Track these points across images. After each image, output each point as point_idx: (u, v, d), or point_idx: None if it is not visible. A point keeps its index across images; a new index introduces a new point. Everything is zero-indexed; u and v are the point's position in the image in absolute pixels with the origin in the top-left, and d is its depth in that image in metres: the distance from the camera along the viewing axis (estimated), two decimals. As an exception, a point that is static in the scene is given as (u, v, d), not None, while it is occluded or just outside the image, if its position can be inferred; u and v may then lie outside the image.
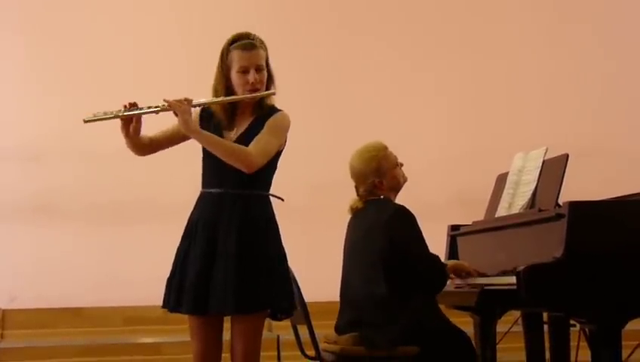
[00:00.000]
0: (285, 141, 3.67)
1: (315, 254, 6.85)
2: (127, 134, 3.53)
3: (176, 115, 3.46)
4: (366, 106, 8.14)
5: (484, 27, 8.47)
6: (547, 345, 4.73)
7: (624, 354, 3.71)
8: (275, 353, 7.08)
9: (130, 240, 7.49)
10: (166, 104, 3.46)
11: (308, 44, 8.15)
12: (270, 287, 3.49)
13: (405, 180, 4.47)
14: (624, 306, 3.67)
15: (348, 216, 4.56)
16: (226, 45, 3.63)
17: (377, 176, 4.38)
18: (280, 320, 3.68)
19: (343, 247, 4.53)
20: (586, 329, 3.93)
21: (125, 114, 3.46)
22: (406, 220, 4.25)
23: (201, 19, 7.93)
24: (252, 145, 3.49)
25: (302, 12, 8.26)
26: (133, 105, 3.48)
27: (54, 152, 7.69)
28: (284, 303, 3.57)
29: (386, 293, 4.15)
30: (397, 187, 4.46)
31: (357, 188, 4.47)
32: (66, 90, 7.67)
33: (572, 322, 4.38)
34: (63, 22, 7.82)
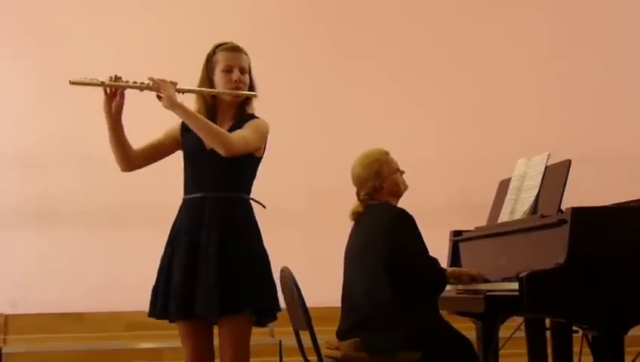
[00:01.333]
0: (264, 148, 3.69)
1: (317, 259, 6.84)
2: (109, 110, 3.53)
3: (159, 97, 3.49)
4: (367, 112, 8.13)
5: (488, 31, 8.47)
6: (550, 351, 4.71)
7: (627, 360, 3.70)
8: (277, 358, 7.10)
9: (131, 246, 7.49)
10: (151, 82, 3.49)
11: (307, 50, 8.15)
12: (252, 288, 3.50)
13: (406, 187, 4.48)
14: (627, 312, 3.66)
15: (349, 222, 4.56)
16: (212, 50, 3.71)
17: (378, 180, 4.40)
18: (264, 325, 3.70)
19: (344, 253, 4.53)
20: (589, 336, 3.92)
21: (111, 83, 3.48)
22: (407, 223, 4.25)
23: (200, 26, 7.92)
24: (232, 133, 3.53)
25: (301, 17, 8.26)
26: (119, 79, 3.50)
27: (55, 158, 7.69)
28: (267, 304, 3.59)
29: (388, 298, 4.15)
30: (397, 193, 4.46)
31: (358, 193, 4.48)
32: (66, 96, 7.64)
33: (575, 328, 4.37)
34: (63, 27, 7.82)
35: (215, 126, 3.51)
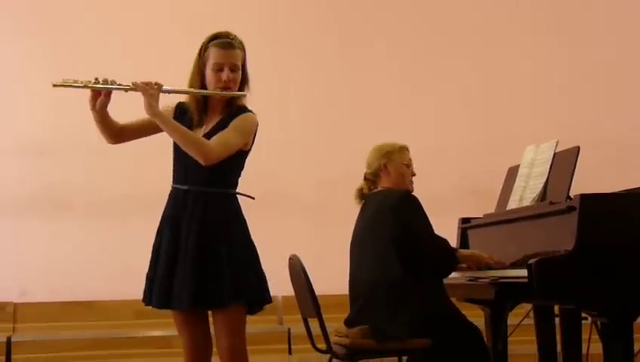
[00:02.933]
0: (252, 142, 3.66)
1: (326, 247, 6.84)
2: (93, 107, 3.56)
3: (143, 95, 3.49)
4: (374, 100, 8.12)
5: (496, 19, 8.43)
6: (559, 338, 4.71)
7: (636, 347, 3.70)
8: (286, 346, 7.11)
9: (140, 234, 7.41)
10: (134, 86, 3.49)
11: (314, 39, 8.12)
12: (234, 282, 3.50)
13: (412, 189, 4.49)
14: (636, 299, 3.65)
15: (356, 210, 4.57)
16: (205, 42, 3.68)
17: (384, 160, 4.46)
18: (254, 313, 3.67)
19: (350, 241, 4.53)
20: (598, 323, 3.92)
21: (94, 86, 3.50)
22: (412, 204, 4.29)
23: (207, 20, 7.89)
24: (212, 139, 3.52)
25: (308, 5, 8.23)
26: (105, 81, 3.51)
27: (65, 147, 7.69)
28: (251, 297, 3.58)
29: (396, 283, 4.16)
30: (401, 183, 4.47)
31: (366, 173, 4.52)
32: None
33: (584, 315, 4.36)
34: (70, 19, 7.81)
35: (194, 136, 3.51)
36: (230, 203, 3.62)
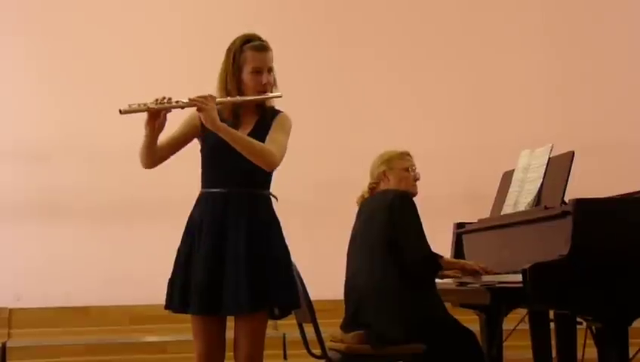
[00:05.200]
0: None
1: (320, 252, 6.84)
2: (152, 129, 3.51)
3: (199, 109, 3.46)
4: (370, 103, 8.13)
5: (491, 23, 8.44)
6: (553, 343, 4.72)
7: (631, 351, 3.70)
8: (281, 351, 7.09)
9: (136, 239, 7.50)
10: (193, 102, 3.47)
11: (313, 42, 8.14)
12: (278, 286, 3.51)
13: (414, 191, 4.48)
14: (630, 304, 3.65)
15: (354, 214, 4.57)
16: (238, 45, 3.65)
17: (385, 167, 4.49)
18: (278, 318, 3.67)
19: (347, 245, 4.54)
20: (593, 328, 3.92)
21: (156, 107, 3.47)
22: (406, 203, 4.29)
23: (203, 20, 7.92)
24: (270, 145, 3.52)
25: (308, 9, 8.24)
26: (164, 101, 3.48)
27: (60, 152, 7.69)
28: (290, 300, 3.59)
29: (391, 282, 4.17)
30: (402, 189, 4.46)
31: (369, 183, 4.54)
32: (70, 90, 7.67)
33: (578, 320, 4.37)
34: (67, 22, 7.82)
35: (257, 143, 3.50)
36: (269, 204, 3.63)
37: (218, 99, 3.52)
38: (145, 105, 3.45)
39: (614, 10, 8.53)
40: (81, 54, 7.65)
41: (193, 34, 7.89)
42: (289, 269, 3.61)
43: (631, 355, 3.71)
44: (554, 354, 4.73)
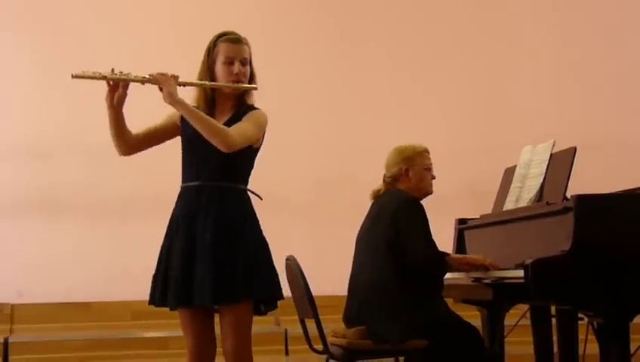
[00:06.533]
0: (262, 139, 3.70)
1: (323, 248, 6.84)
2: (110, 102, 3.54)
3: (160, 89, 3.49)
4: (374, 100, 8.13)
5: (493, 20, 8.44)
6: (555, 338, 4.72)
7: (632, 347, 3.70)
8: (283, 347, 7.11)
9: (136, 235, 7.50)
10: (152, 77, 3.50)
11: (313, 39, 8.14)
12: (248, 278, 3.51)
13: (431, 190, 4.46)
14: (632, 300, 3.65)
15: (355, 211, 4.57)
16: (213, 40, 3.71)
17: (405, 165, 4.41)
18: (264, 313, 3.69)
19: (352, 241, 4.53)
20: (594, 323, 3.92)
21: (112, 77, 3.49)
22: (413, 210, 4.25)
23: (201, 20, 7.91)
24: (231, 128, 3.53)
25: (308, 6, 8.24)
26: (121, 72, 3.50)
27: (61, 148, 7.70)
28: (265, 293, 3.59)
29: (392, 283, 4.17)
30: (421, 188, 4.43)
31: (384, 176, 4.47)
32: (71, 87, 7.64)
33: (580, 315, 4.37)
34: (68, 19, 7.82)
35: (215, 123, 3.52)
36: (244, 199, 3.63)
37: (181, 80, 3.54)
38: (100, 73, 3.47)
39: (621, 7, 8.53)
40: (82, 52, 7.64)
41: (195, 35, 7.85)
42: (267, 264, 3.60)
43: (632, 351, 3.71)
44: (555, 349, 4.73)
